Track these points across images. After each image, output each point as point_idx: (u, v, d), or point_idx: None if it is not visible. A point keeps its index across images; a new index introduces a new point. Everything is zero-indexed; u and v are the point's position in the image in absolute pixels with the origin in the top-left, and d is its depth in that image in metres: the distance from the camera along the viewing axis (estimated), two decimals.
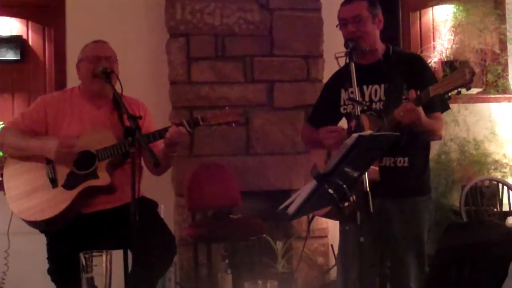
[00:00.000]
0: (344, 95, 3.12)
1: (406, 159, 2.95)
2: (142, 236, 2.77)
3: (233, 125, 3.25)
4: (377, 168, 2.73)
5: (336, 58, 2.82)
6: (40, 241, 3.31)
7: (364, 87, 3.01)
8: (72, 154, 3.16)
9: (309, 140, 3.36)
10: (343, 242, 3.13)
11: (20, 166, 3.26)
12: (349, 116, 3.06)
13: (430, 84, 2.59)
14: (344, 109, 3.13)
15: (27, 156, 3.24)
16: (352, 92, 2.71)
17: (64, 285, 3.16)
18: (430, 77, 2.96)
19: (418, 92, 2.60)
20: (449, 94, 2.54)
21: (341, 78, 2.97)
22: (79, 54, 3.42)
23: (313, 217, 3.01)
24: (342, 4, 3.08)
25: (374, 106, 2.96)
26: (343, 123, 3.21)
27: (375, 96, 2.99)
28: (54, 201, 3.16)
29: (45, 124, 3.30)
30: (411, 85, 2.80)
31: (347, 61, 2.77)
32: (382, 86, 2.98)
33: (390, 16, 4.22)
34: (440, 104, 2.90)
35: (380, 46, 3.07)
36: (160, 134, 3.14)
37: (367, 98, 3.00)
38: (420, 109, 2.63)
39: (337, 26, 3.05)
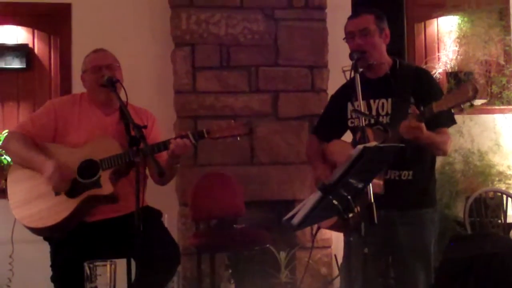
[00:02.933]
0: (351, 108, 3.11)
1: (411, 172, 2.95)
2: (146, 245, 2.77)
3: (238, 138, 3.24)
4: (381, 182, 2.72)
5: (343, 71, 2.83)
6: (44, 249, 3.31)
7: (371, 101, 3.00)
8: (62, 185, 3.16)
9: (312, 155, 3.34)
10: (347, 253, 3.13)
11: (24, 172, 3.25)
12: (356, 130, 3.06)
13: (436, 98, 2.59)
14: (352, 122, 3.12)
15: (29, 167, 3.24)
16: (357, 105, 2.71)
17: None
18: (437, 92, 2.95)
19: (422, 108, 2.60)
20: (452, 111, 2.55)
21: (347, 91, 2.97)
22: (82, 66, 3.43)
23: (318, 229, 3.01)
24: (349, 18, 3.08)
25: (381, 120, 2.95)
26: (347, 137, 3.21)
27: (382, 110, 2.99)
28: (56, 209, 3.15)
29: (53, 129, 3.30)
30: (418, 99, 2.80)
31: (352, 73, 2.77)
32: (389, 100, 2.97)
33: (395, 27, 4.20)
34: (446, 120, 2.90)
35: (387, 60, 3.06)
36: (165, 145, 3.14)
37: (374, 112, 2.99)
38: (422, 124, 2.62)
39: (344, 39, 3.05)
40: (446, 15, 5.58)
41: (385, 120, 2.94)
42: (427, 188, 3.04)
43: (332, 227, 2.90)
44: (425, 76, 3.09)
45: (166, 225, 3.56)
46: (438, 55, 5.58)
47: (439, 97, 2.64)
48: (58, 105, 3.40)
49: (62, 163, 3.16)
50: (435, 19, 5.68)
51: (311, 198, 2.17)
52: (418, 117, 2.60)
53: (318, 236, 4.62)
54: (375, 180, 2.64)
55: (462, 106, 2.50)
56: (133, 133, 2.92)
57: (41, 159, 3.18)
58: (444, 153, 2.98)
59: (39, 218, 3.16)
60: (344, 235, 2.99)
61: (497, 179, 5.39)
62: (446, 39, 5.59)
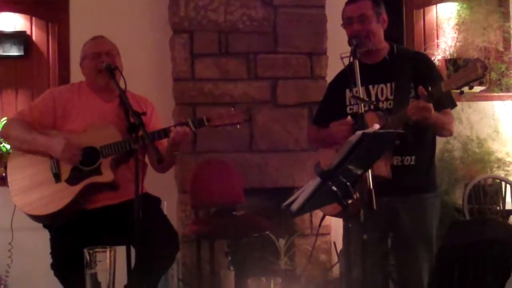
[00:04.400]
0: (349, 95, 3.11)
1: (413, 157, 2.96)
2: (145, 232, 2.78)
3: (238, 126, 3.25)
4: (388, 167, 2.73)
5: (341, 58, 2.82)
6: (43, 236, 3.31)
7: (370, 86, 3.00)
8: (78, 156, 3.16)
9: (316, 139, 3.35)
10: (346, 239, 3.13)
11: (25, 159, 3.26)
12: (355, 116, 3.05)
13: (437, 81, 2.59)
14: (351, 109, 3.12)
15: (31, 150, 3.24)
16: (356, 91, 2.70)
17: (67, 280, 3.16)
18: (437, 75, 2.97)
19: (430, 88, 2.59)
20: (462, 89, 2.53)
21: (345, 77, 2.96)
22: (81, 53, 3.43)
23: (323, 217, 3.01)
24: (347, 3, 3.07)
25: (380, 105, 2.96)
26: None
27: (382, 95, 2.99)
28: (56, 196, 3.16)
29: (53, 117, 3.31)
30: (418, 83, 2.80)
31: (351, 59, 2.77)
32: (389, 85, 2.97)
33: (394, 13, 4.21)
34: (449, 101, 2.91)
35: (385, 45, 3.07)
36: (165, 132, 3.14)
37: (373, 98, 2.99)
38: (431, 105, 2.62)
39: (341, 25, 3.05)
40: (445, 1, 5.56)
41: (385, 105, 2.94)
42: (429, 172, 3.06)
43: (338, 215, 2.90)
44: (424, 59, 3.10)
45: (165, 212, 3.56)
46: (437, 42, 5.57)
47: (439, 79, 2.64)
48: (57, 94, 3.40)
49: (69, 139, 3.16)
50: (434, 6, 5.66)
51: (310, 184, 2.18)
52: (427, 98, 2.60)
53: (318, 224, 4.63)
54: (382, 165, 2.65)
55: (471, 84, 2.49)
56: (132, 120, 2.92)
57: (46, 138, 3.19)
58: (450, 133, 2.99)
59: (40, 205, 3.17)
60: (344, 222, 3.00)
61: (495, 166, 5.39)
62: (445, 26, 5.57)
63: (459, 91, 2.56)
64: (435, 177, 3.13)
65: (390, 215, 2.90)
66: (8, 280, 4.27)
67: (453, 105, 2.98)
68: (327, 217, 3.04)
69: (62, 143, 3.13)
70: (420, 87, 2.63)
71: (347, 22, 3.01)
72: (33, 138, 3.21)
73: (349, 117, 3.09)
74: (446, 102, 2.88)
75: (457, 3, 5.50)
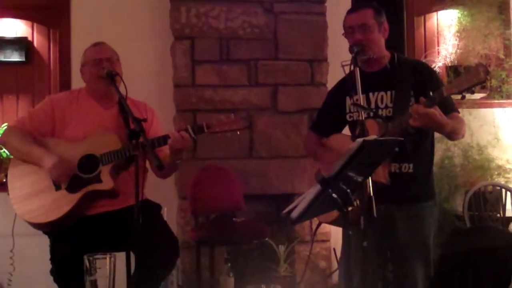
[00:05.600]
0: (349, 103, 3.11)
1: (411, 165, 2.95)
2: (145, 238, 2.77)
3: (238, 133, 3.23)
4: (386, 173, 2.73)
5: (342, 66, 2.82)
6: (44, 242, 3.31)
7: (370, 94, 3.00)
8: (64, 177, 3.16)
9: (313, 150, 3.34)
10: (346, 246, 3.13)
11: (25, 167, 3.26)
12: (354, 124, 3.05)
13: (437, 88, 2.59)
14: (350, 116, 3.12)
15: (27, 160, 3.24)
16: (357, 99, 2.70)
17: (67, 286, 3.15)
18: (437, 82, 2.95)
19: (431, 93, 2.58)
20: (463, 93, 2.52)
21: (346, 85, 2.96)
22: (81, 59, 3.43)
23: (319, 224, 3.01)
24: (348, 12, 3.07)
25: (380, 112, 2.96)
26: (346, 130, 3.20)
27: (381, 103, 2.99)
28: (57, 204, 3.16)
29: (52, 124, 3.31)
30: (418, 91, 2.80)
31: (352, 67, 2.77)
32: (389, 93, 2.97)
33: (395, 20, 4.20)
34: (454, 105, 2.90)
35: (386, 54, 3.06)
36: (164, 139, 3.14)
37: (373, 105, 2.99)
38: (433, 111, 2.61)
39: (343, 34, 3.05)
40: (446, 8, 5.58)
41: (384, 112, 2.95)
42: (427, 181, 3.05)
43: (333, 222, 2.90)
44: (425, 68, 3.10)
45: (165, 218, 3.56)
46: (438, 49, 5.58)
47: (440, 87, 2.63)
48: (56, 101, 3.40)
49: (63, 158, 3.16)
50: (435, 13, 5.68)
51: (310, 192, 2.17)
52: (426, 102, 2.59)
53: (317, 230, 4.62)
54: (380, 171, 2.64)
55: (473, 89, 2.48)
56: (132, 126, 2.92)
57: (41, 152, 3.19)
58: (462, 136, 2.95)
59: (40, 213, 3.16)
60: (343, 229, 3.00)
61: (496, 173, 5.39)
62: (446, 33, 5.59)
63: (460, 96, 2.55)
64: (433, 186, 3.11)
65: (387, 224, 2.89)
66: (11, 287, 4.26)
67: (456, 110, 2.97)
68: (326, 224, 3.04)
69: (53, 160, 3.13)
70: (421, 98, 2.62)
71: (349, 31, 3.01)
72: (29, 151, 3.21)
73: (342, 132, 3.09)
74: (452, 106, 2.87)
75: (457, 10, 5.51)
